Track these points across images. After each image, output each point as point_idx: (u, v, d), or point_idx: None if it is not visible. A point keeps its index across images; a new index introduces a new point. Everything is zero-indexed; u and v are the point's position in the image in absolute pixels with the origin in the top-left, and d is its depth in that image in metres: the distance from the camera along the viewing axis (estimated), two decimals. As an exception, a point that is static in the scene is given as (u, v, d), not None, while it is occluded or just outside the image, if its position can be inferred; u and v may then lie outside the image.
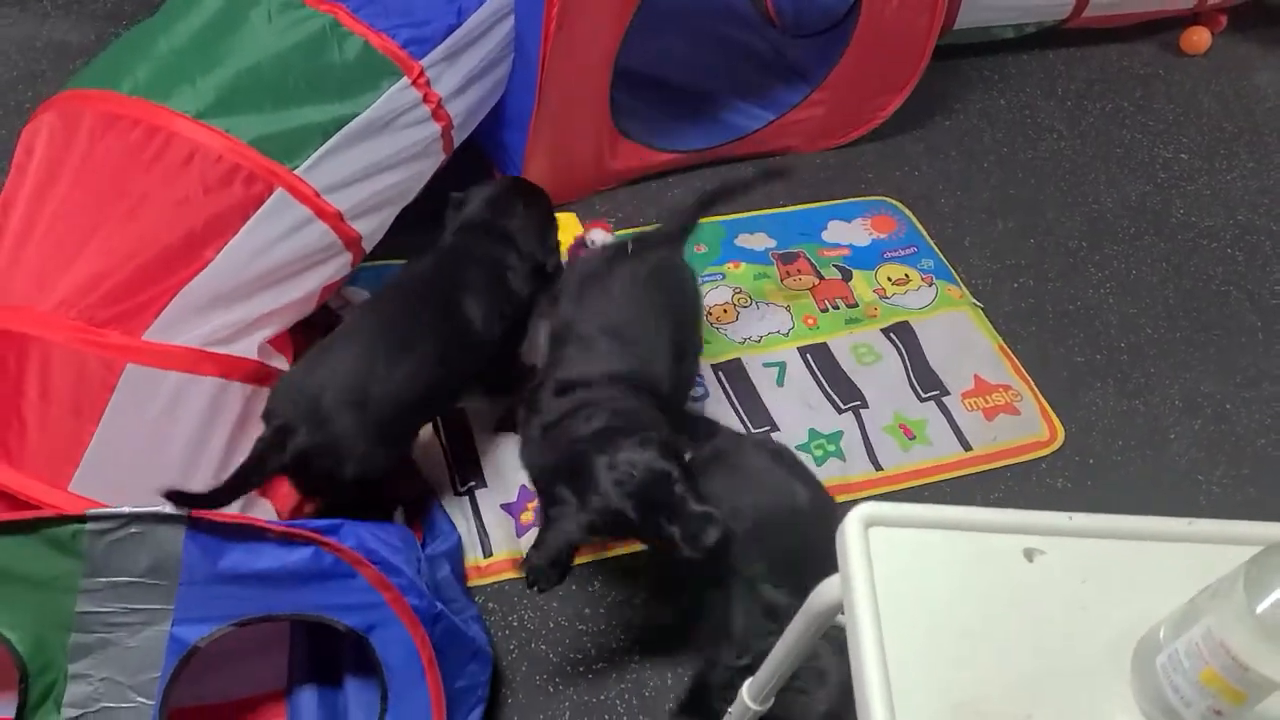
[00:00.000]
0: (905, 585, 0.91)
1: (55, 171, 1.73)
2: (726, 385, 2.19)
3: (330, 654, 1.71)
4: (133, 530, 1.49)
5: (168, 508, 1.47)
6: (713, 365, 2.22)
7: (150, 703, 1.54)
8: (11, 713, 1.51)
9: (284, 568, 1.55)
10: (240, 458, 1.65)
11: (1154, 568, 0.93)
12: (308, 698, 1.67)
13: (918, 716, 0.84)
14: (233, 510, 1.61)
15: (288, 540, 1.53)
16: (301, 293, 1.85)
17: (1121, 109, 3.05)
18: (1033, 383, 2.24)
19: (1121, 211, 2.71)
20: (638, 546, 1.88)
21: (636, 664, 1.78)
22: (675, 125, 2.64)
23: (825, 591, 1.01)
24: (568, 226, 2.44)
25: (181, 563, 1.50)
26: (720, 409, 2.14)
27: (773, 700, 1.30)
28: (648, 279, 1.87)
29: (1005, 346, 2.31)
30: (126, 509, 1.49)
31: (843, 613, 1.05)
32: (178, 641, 1.54)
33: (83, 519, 1.48)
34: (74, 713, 1.53)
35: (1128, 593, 0.91)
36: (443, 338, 1.81)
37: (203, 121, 1.73)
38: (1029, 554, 0.93)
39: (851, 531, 0.92)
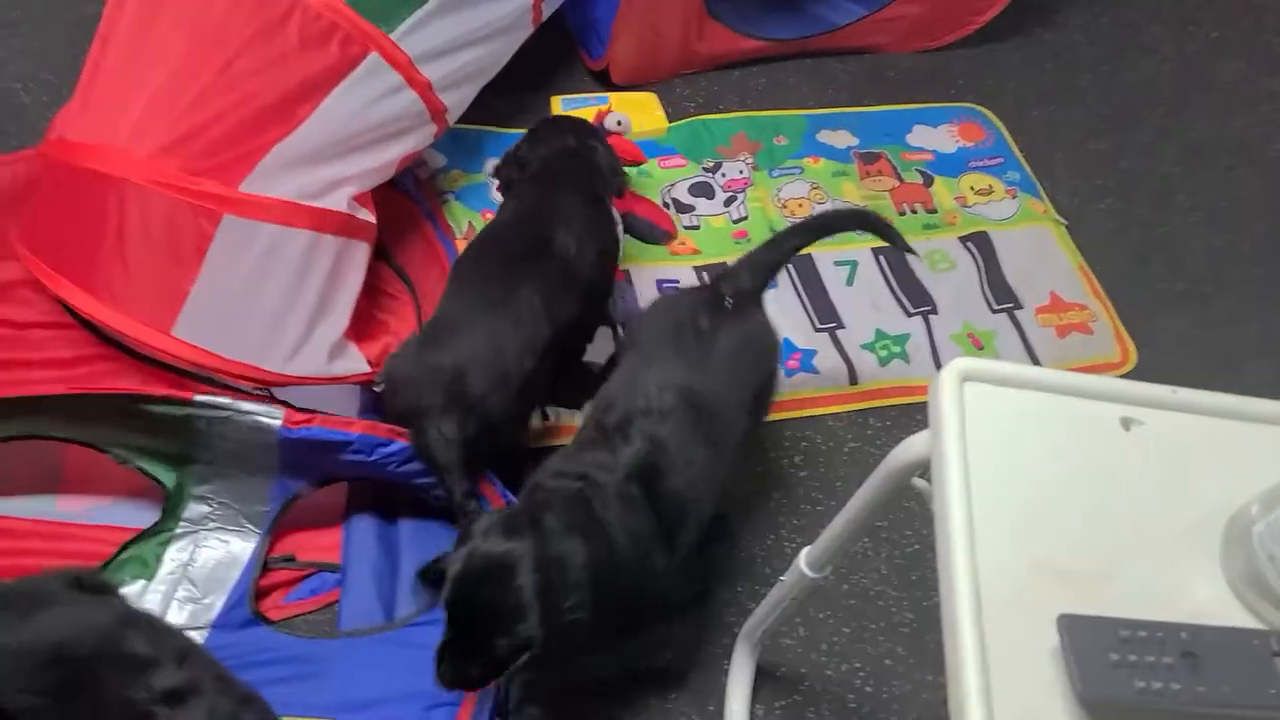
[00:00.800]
0: (995, 443, 0.90)
1: (155, 11, 1.71)
2: (796, 280, 2.16)
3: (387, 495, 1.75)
4: (232, 418, 1.59)
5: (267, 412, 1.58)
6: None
7: (258, 530, 1.63)
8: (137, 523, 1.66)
9: (374, 458, 1.62)
10: (331, 311, 1.68)
11: (1252, 448, 0.91)
12: (364, 524, 1.72)
13: (999, 572, 0.83)
14: (319, 365, 1.66)
15: (374, 435, 1.59)
16: (386, 159, 1.84)
17: (1229, 38, 2.92)
18: (1110, 304, 2.19)
19: (1219, 142, 2.61)
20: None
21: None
22: (765, 13, 2.56)
23: (908, 448, 1.00)
24: (646, 106, 2.41)
25: (276, 455, 1.61)
26: (788, 299, 2.13)
27: (830, 569, 1.31)
28: (739, 349, 1.59)
29: (1085, 266, 2.25)
30: (227, 402, 1.59)
31: (920, 475, 1.05)
32: (283, 487, 1.64)
33: (189, 404, 1.57)
34: (188, 529, 1.66)
35: (1223, 470, 0.89)
36: (548, 278, 1.70)
37: (304, -24, 1.70)
38: (1126, 423, 0.91)
39: (947, 384, 0.91)
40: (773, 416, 1.96)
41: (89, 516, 1.69)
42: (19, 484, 1.70)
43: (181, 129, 1.61)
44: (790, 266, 2.17)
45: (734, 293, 1.63)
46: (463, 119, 2.04)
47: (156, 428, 1.60)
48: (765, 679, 1.64)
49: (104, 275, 1.58)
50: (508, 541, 1.31)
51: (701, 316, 1.57)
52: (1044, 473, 0.89)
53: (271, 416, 1.58)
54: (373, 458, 1.59)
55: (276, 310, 1.62)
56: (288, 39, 1.67)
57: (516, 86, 2.23)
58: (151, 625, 1.27)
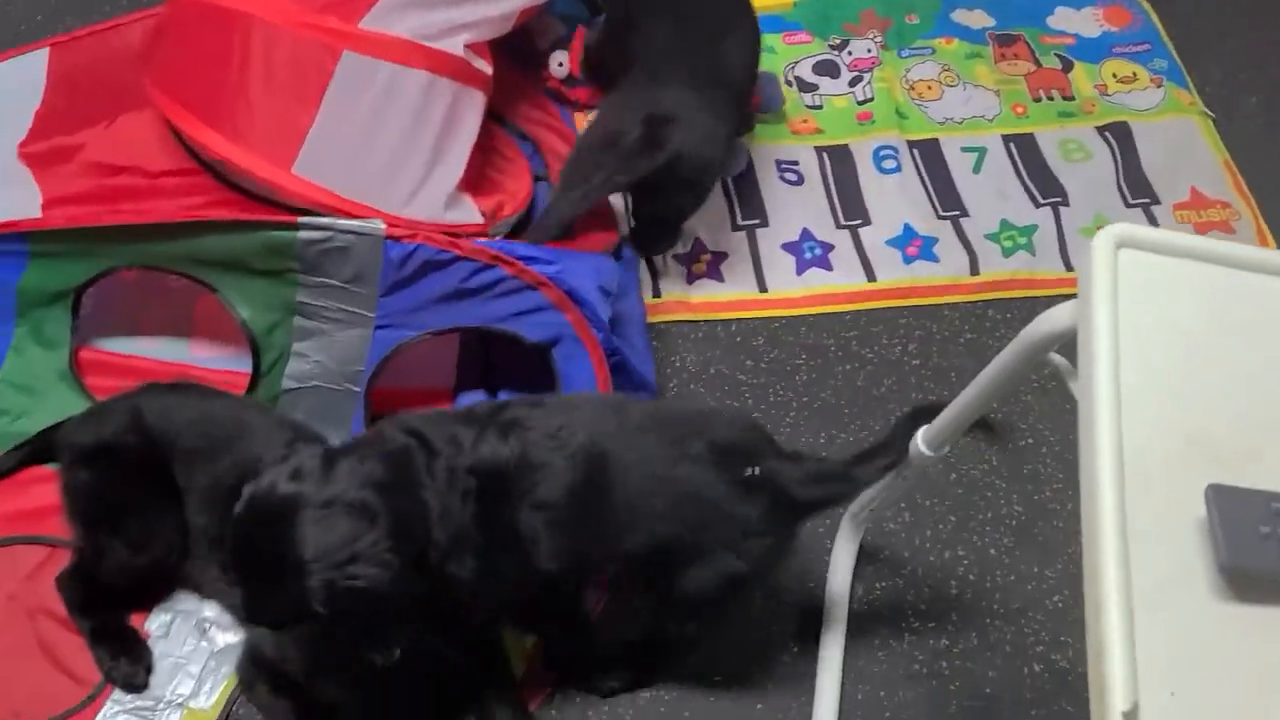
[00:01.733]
0: (1148, 312, 0.86)
1: None
2: (920, 165, 2.09)
3: (499, 365, 1.77)
4: (337, 242, 1.58)
5: (369, 224, 1.56)
6: (908, 142, 2.11)
7: (357, 389, 1.66)
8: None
9: (472, 285, 1.60)
10: (447, 156, 1.68)
11: None
12: (472, 399, 1.74)
13: (1146, 446, 0.80)
14: (436, 211, 1.67)
15: (476, 260, 1.58)
16: (504, 8, 1.81)
17: None
18: (1255, 204, 2.07)
19: (1391, 36, 2.41)
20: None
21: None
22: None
23: (1049, 320, 0.97)
24: None
25: (380, 275, 1.59)
26: (910, 184, 2.06)
27: (948, 448, 1.29)
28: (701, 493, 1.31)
29: (1231, 162, 2.13)
30: (329, 220, 1.58)
31: (1055, 351, 1.02)
32: (380, 342, 1.64)
33: (295, 226, 1.57)
34: (293, 384, 1.68)
35: (1395, 353, 0.84)
36: None
37: None
38: (1290, 298, 0.86)
39: (1100, 250, 0.87)
40: (889, 304, 1.93)
41: (215, 362, 1.75)
42: (154, 326, 1.78)
43: (309, -34, 1.61)
44: (915, 150, 2.11)
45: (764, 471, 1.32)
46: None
47: (265, 260, 1.60)
48: (867, 560, 1.65)
49: (229, 112, 1.61)
50: (296, 485, 1.17)
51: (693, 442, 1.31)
52: (1200, 345, 0.85)
53: (373, 229, 1.57)
54: (472, 283, 1.59)
55: (394, 150, 1.63)
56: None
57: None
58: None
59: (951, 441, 1.26)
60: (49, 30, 2.11)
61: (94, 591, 1.51)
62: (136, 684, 1.49)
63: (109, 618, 1.53)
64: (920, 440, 1.29)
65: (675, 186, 1.80)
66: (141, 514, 1.49)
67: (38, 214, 1.69)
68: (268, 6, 1.60)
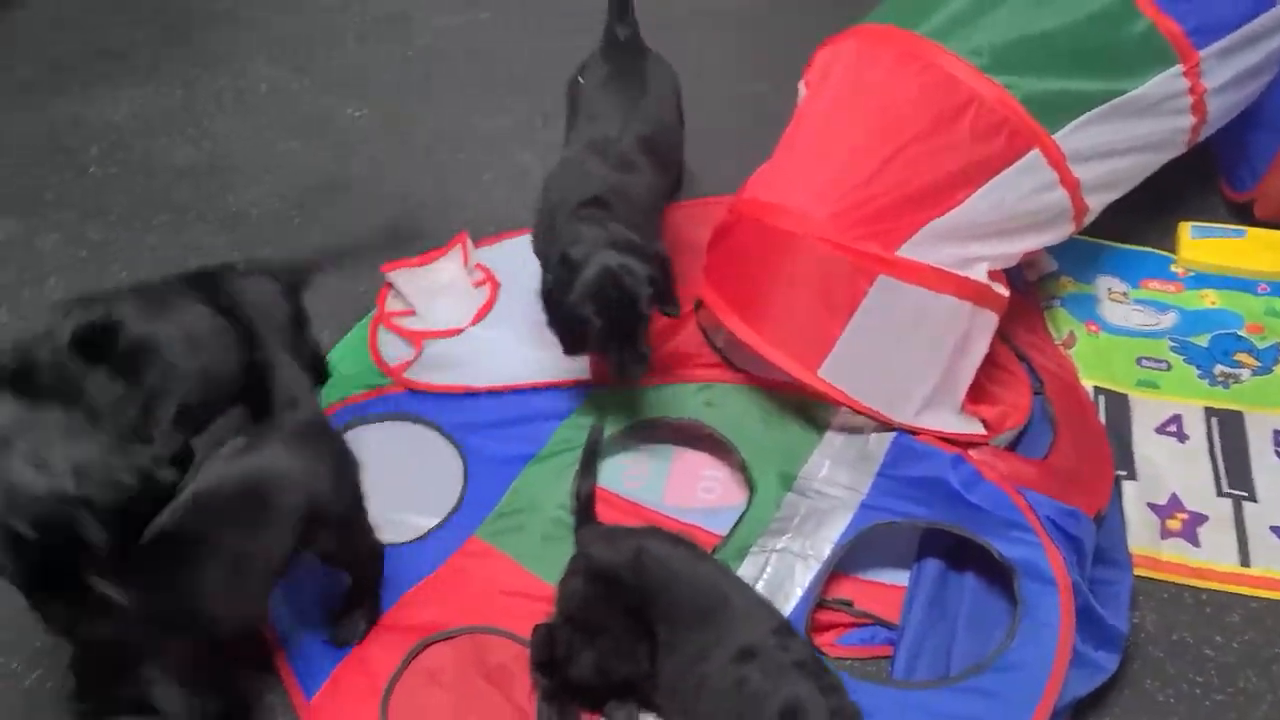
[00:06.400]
0: None
1: (847, 98, 1.96)
2: (1214, 430, 2.01)
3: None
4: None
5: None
6: (1206, 408, 2.04)
7: (819, 562, 1.78)
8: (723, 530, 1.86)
9: (953, 483, 1.70)
10: (957, 374, 1.84)
11: None
12: (929, 582, 1.80)
13: None
14: (943, 421, 1.83)
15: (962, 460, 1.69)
16: (1019, 248, 1.96)
17: None
18: None
19: None
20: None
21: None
22: None
23: None
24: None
25: (885, 459, 1.77)
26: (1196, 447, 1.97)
27: None
28: None
29: None
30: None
31: None
32: (860, 518, 1.78)
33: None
34: (764, 548, 1.83)
35: None
36: None
37: (985, 74, 1.87)
38: None
39: None
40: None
41: (687, 515, 1.93)
42: (639, 469, 2.01)
43: (853, 199, 1.83)
44: (1213, 418, 2.04)
45: None
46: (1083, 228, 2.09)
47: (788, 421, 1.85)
48: None
49: (768, 314, 1.85)
50: None
51: None
52: None
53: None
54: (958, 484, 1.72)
55: (911, 365, 1.80)
56: (959, 129, 1.84)
57: (1141, 205, 2.24)
58: None
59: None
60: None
61: (559, 673, 1.68)
62: None
63: (564, 693, 1.68)
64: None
65: None
66: (615, 639, 1.64)
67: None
68: (819, 230, 1.83)
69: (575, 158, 2.07)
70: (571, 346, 1.94)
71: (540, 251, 2.04)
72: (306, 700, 1.72)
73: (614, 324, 1.82)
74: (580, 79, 2.27)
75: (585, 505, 1.82)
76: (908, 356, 1.81)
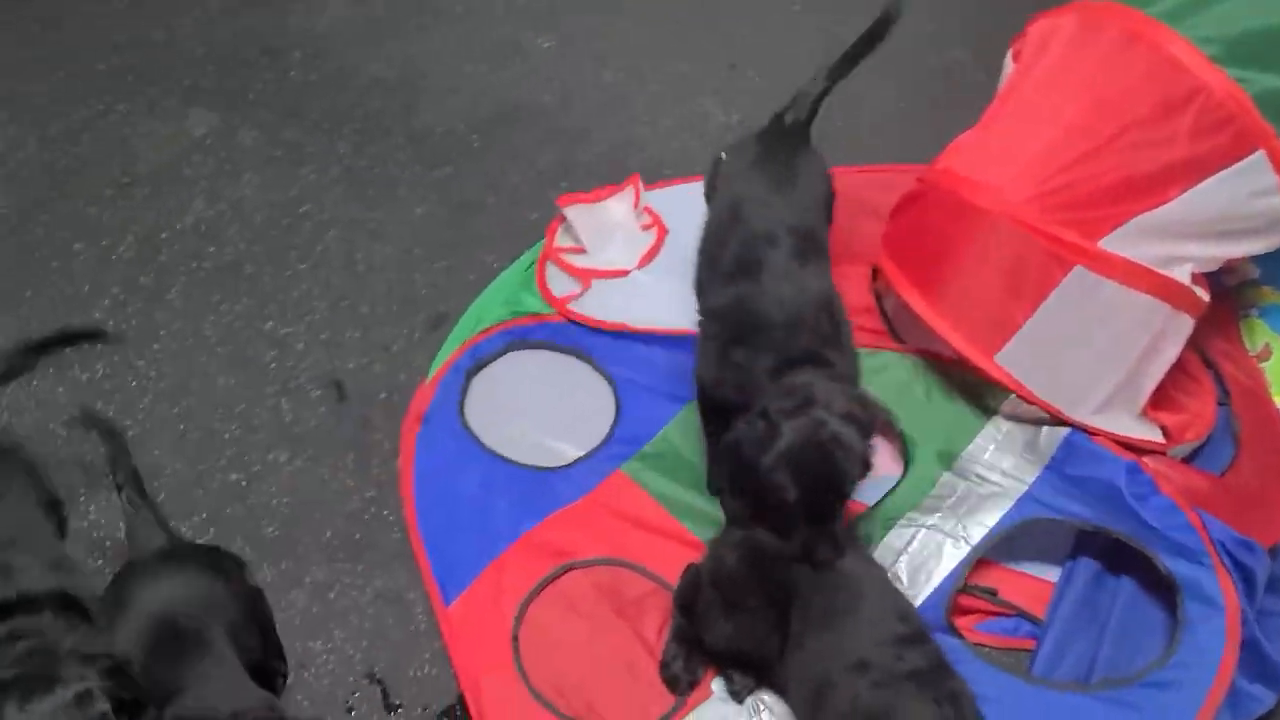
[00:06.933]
0: None
1: (1062, 75, 1.86)
2: None
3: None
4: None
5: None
6: None
7: (969, 545, 1.74)
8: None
9: (1125, 491, 1.63)
10: (1143, 376, 1.76)
11: None
12: (1081, 581, 1.75)
13: None
14: (1122, 424, 1.76)
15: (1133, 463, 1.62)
16: (1227, 252, 1.84)
17: None
18: None
19: None
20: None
21: None
22: None
23: None
24: None
25: (1055, 454, 1.73)
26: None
27: None
28: None
29: None
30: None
31: None
32: (1020, 509, 1.73)
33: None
34: (914, 521, 1.80)
35: None
36: None
37: (1216, 64, 1.74)
38: None
39: None
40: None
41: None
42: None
43: (1057, 182, 1.74)
44: None
45: None
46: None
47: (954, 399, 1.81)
48: None
49: (948, 292, 1.79)
50: None
51: None
52: None
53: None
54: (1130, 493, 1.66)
55: (1095, 363, 1.73)
56: (1181, 121, 1.73)
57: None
58: None
59: None
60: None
61: (694, 623, 1.69)
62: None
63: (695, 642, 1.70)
64: None
65: None
66: (753, 621, 1.63)
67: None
68: (1014, 211, 1.75)
69: (779, 268, 1.74)
70: (739, 510, 1.75)
71: (711, 377, 1.78)
72: (445, 605, 1.78)
73: (810, 501, 1.55)
74: (724, 156, 2.02)
75: None
76: (1093, 353, 1.73)
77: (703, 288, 1.87)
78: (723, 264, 1.79)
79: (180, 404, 2.11)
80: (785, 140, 1.94)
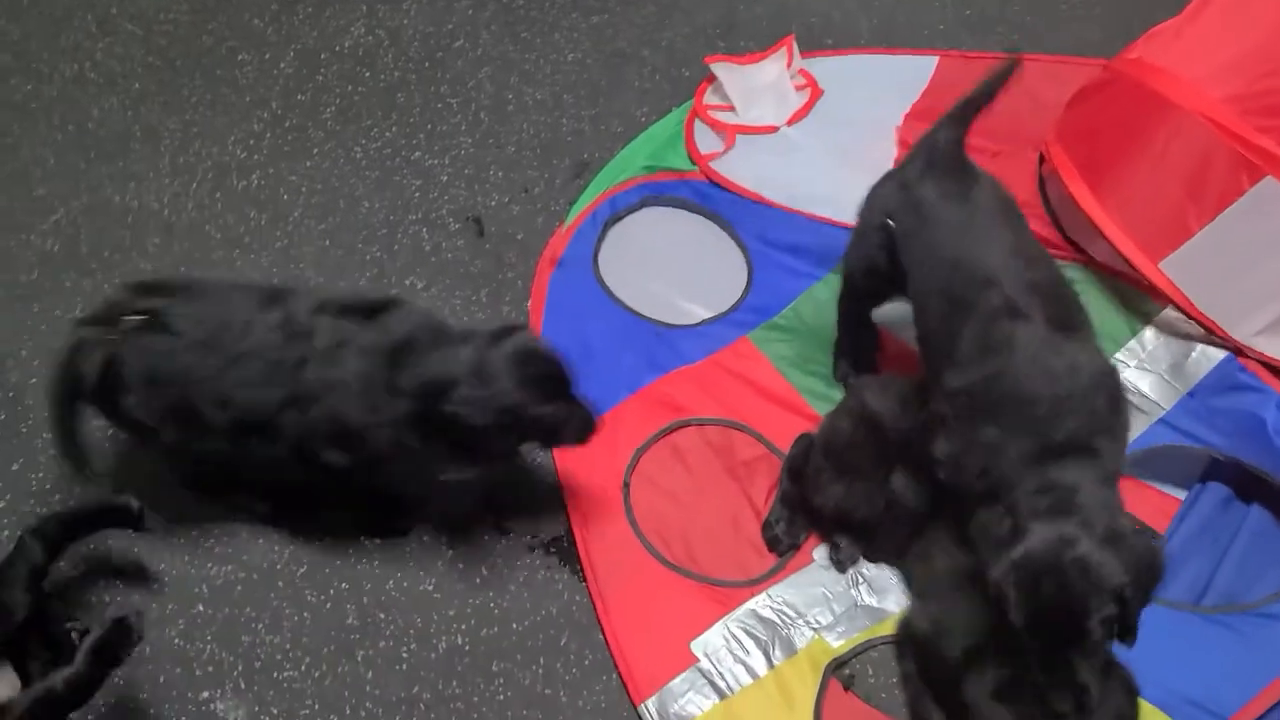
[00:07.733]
0: None
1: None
2: None
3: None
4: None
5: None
6: None
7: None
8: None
9: (1269, 423, 1.59)
10: None
11: None
12: (1209, 503, 1.71)
13: None
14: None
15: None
16: None
17: None
18: None
19: None
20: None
21: None
22: None
23: None
24: None
25: (1201, 380, 1.67)
26: None
27: None
28: None
29: None
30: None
31: None
32: (1154, 433, 1.69)
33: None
34: None
35: None
36: None
37: None
38: None
39: None
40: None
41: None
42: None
43: (1260, 86, 1.62)
44: None
45: None
46: None
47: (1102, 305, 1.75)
48: None
49: (1119, 189, 1.70)
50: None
51: None
52: None
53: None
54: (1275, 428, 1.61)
55: (1268, 283, 1.63)
56: None
57: None
58: None
59: None
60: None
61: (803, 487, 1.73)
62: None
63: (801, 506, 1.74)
64: None
65: None
66: (865, 483, 1.65)
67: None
68: (1208, 109, 1.64)
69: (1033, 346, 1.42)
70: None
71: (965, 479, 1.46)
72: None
73: (1038, 629, 1.31)
74: (890, 222, 1.64)
75: None
76: (1267, 271, 1.62)
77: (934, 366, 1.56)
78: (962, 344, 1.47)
79: (327, 221, 2.17)
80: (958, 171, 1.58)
